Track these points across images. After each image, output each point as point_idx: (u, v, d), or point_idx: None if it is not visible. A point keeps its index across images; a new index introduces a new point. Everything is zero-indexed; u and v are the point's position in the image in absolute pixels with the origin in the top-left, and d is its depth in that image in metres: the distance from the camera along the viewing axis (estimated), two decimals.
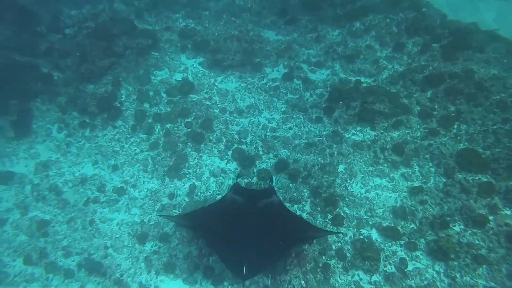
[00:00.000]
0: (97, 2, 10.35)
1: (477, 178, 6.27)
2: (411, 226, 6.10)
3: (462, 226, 5.90)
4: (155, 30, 9.31)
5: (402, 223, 6.12)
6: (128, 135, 7.80)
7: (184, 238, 6.25)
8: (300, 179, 6.74)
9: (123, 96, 8.35)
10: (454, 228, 5.89)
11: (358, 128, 7.36)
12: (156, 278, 5.93)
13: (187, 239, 6.21)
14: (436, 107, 7.30)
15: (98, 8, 10.02)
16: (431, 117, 7.18)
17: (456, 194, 6.18)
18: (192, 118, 7.75)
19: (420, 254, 5.78)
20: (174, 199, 6.80)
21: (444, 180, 6.42)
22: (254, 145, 7.40)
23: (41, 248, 6.46)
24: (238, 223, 5.28)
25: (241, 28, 9.16)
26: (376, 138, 7.13)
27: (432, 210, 6.16)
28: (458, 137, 6.81)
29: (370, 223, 6.18)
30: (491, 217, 5.86)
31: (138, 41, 8.71)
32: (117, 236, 6.51)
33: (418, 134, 7.06)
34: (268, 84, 8.36)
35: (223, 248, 5.02)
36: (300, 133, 7.46)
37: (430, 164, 6.69)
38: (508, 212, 5.93)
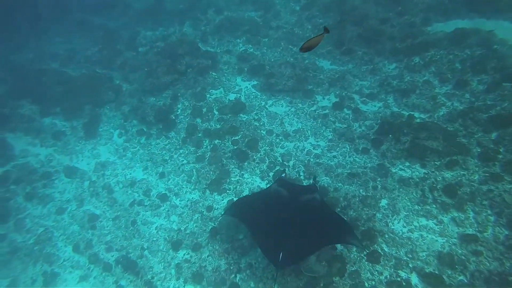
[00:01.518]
0: (169, 26, 11.55)
1: None
2: (460, 277, 5.47)
3: None
4: (216, 52, 10.00)
5: (449, 272, 5.53)
6: (178, 146, 8.32)
7: (215, 251, 6.33)
8: (339, 209, 6.51)
9: (179, 110, 9.00)
10: None
11: (407, 164, 6.98)
12: (184, 286, 6.05)
13: (218, 252, 6.28)
14: (501, 150, 6.65)
15: (169, 31, 11.16)
16: (494, 160, 6.54)
17: None
18: (239, 137, 8.03)
19: None
20: (212, 212, 6.98)
21: (507, 233, 5.71)
22: (296, 169, 7.38)
23: (88, 239, 7.03)
24: (279, 214, 5.45)
25: (297, 55, 9.45)
26: (426, 176, 6.68)
27: (488, 265, 5.48)
28: None
29: (411, 265, 5.69)
30: None
31: (199, 61, 9.44)
32: (154, 239, 6.83)
33: (476, 177, 6.46)
34: (318, 111, 8.39)
35: (262, 235, 5.19)
36: (344, 163, 7.28)
37: (489, 211, 6.03)
38: None
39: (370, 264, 5.78)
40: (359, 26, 9.57)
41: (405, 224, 6.22)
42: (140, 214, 7.28)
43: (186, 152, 8.18)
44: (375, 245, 5.96)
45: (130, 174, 8.09)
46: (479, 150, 6.76)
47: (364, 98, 8.45)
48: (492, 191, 6.17)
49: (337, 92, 8.67)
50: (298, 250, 4.99)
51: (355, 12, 9.98)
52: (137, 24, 12.47)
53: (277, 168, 7.43)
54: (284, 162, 7.50)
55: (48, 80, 9.98)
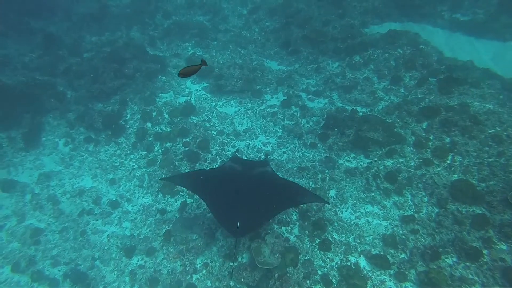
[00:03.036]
0: (116, 30, 11.23)
1: (471, 209, 6.12)
2: (402, 255, 5.91)
3: (455, 259, 5.68)
4: (165, 56, 9.92)
5: (392, 252, 5.95)
6: (128, 152, 8.11)
7: (170, 253, 6.25)
8: None
9: (128, 115, 8.78)
10: (446, 260, 5.68)
11: (352, 155, 7.42)
12: None
13: (173, 255, 6.20)
14: (431, 138, 7.32)
15: (116, 35, 10.86)
16: (425, 147, 7.18)
17: (448, 225, 6.02)
18: (190, 138, 8.02)
19: (410, 286, 5.55)
20: (165, 214, 6.89)
21: (437, 210, 6.30)
22: None
23: (30, 256, 6.56)
24: (234, 187, 5.72)
25: (246, 57, 9.66)
26: (369, 165, 7.15)
27: (423, 240, 5.99)
28: (453, 168, 6.75)
29: (359, 250, 6.04)
30: (485, 251, 5.64)
31: (147, 65, 9.30)
32: (106, 248, 6.57)
33: (412, 164, 7.04)
34: (267, 110, 8.63)
35: (219, 208, 5.44)
36: (293, 158, 7.56)
37: (423, 193, 6.60)
38: (504, 247, 5.68)
39: (322, 252, 6.04)
40: (303, 28, 10.05)
41: (352, 212, 6.59)
42: (90, 224, 6.97)
43: (137, 156, 7.99)
44: (326, 234, 6.24)
45: (78, 183, 7.72)
46: (413, 139, 7.38)
47: (311, 96, 8.87)
48: (425, 174, 6.77)
49: (284, 91, 9.00)
50: (254, 218, 5.33)
51: (299, 15, 10.47)
52: (81, 29, 11.98)
53: None
54: None
55: None
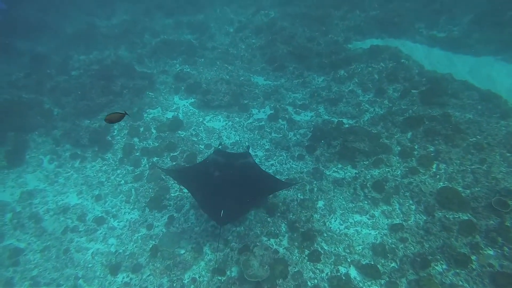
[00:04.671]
0: (104, 49, 11.34)
1: (457, 216, 6.17)
2: (392, 264, 5.87)
3: (444, 266, 5.67)
4: (153, 73, 10.01)
5: (383, 261, 5.91)
6: (115, 167, 8.00)
7: (157, 269, 6.07)
8: (278, 214, 6.69)
9: (115, 131, 8.73)
10: (436, 267, 5.66)
11: (339, 166, 7.48)
12: None
13: (160, 270, 6.03)
14: (416, 147, 7.46)
15: (104, 54, 10.95)
16: (411, 156, 7.31)
17: (436, 232, 6.04)
18: (177, 153, 7.98)
19: None
20: (152, 229, 6.74)
21: (425, 218, 6.33)
22: None
23: (7, 278, 6.27)
24: (218, 178, 6.01)
25: (233, 73, 9.82)
26: (357, 175, 7.20)
27: (413, 248, 5.98)
28: (438, 176, 6.85)
29: (349, 260, 5.97)
30: (473, 257, 5.65)
31: (135, 82, 9.35)
32: (90, 266, 6.35)
33: (398, 173, 7.13)
34: (254, 123, 8.70)
35: (204, 198, 5.71)
36: (281, 170, 7.57)
37: (411, 201, 6.65)
38: (491, 252, 5.72)
39: (312, 263, 5.96)
40: (288, 44, 10.33)
41: (341, 222, 6.56)
42: (74, 241, 6.75)
43: (124, 172, 7.89)
44: (315, 245, 6.18)
45: (63, 200, 7.54)
46: (399, 149, 7.51)
47: (297, 109, 8.99)
48: (411, 183, 6.84)
49: (271, 105, 9.12)
50: (237, 207, 5.59)
51: (284, 32, 10.80)
52: (69, 48, 12.06)
53: None
54: None
55: None
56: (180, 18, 13.07)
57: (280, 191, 7.06)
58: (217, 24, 12.46)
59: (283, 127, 8.57)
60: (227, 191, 5.75)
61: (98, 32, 12.43)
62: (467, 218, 6.11)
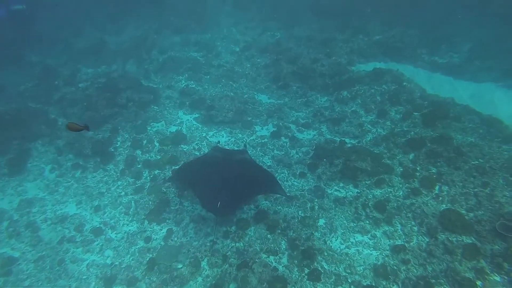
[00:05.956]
0: (112, 63, 11.59)
1: (460, 239, 6.07)
2: (394, 287, 5.72)
3: None
4: (158, 87, 10.17)
5: (384, 283, 5.76)
6: (116, 178, 7.98)
7: (153, 283, 5.93)
8: (279, 231, 6.59)
9: (118, 143, 8.77)
10: None
11: (341, 185, 7.44)
12: None
13: (156, 284, 5.89)
14: (418, 168, 7.44)
15: (112, 68, 11.18)
16: (413, 177, 7.27)
17: (439, 254, 5.93)
18: (179, 166, 7.96)
19: None
20: (150, 242, 6.63)
21: (427, 240, 6.22)
22: None
23: None
24: (215, 172, 6.39)
25: (237, 90, 9.97)
26: (358, 195, 7.15)
27: (415, 271, 5.84)
28: (440, 198, 6.79)
29: (349, 280, 5.83)
30: (478, 282, 5.51)
31: (141, 96, 9.48)
32: (84, 277, 6.21)
33: (401, 193, 7.07)
34: (257, 140, 8.74)
35: (202, 190, 6.05)
36: (283, 187, 7.51)
37: (413, 222, 6.56)
38: (497, 278, 5.58)
39: (311, 282, 5.82)
40: (293, 64, 10.54)
41: (342, 241, 6.46)
42: (69, 252, 6.64)
43: (125, 183, 7.85)
44: (315, 263, 6.06)
45: (61, 209, 7.47)
46: (401, 169, 7.49)
47: (300, 127, 9.06)
48: (414, 204, 6.78)
49: (274, 123, 9.20)
50: (233, 200, 5.95)
51: (289, 53, 11.05)
52: (78, 61, 12.31)
53: None
54: None
55: None
56: (188, 36, 13.43)
57: (281, 207, 7.01)
58: (224, 43, 12.79)
59: (285, 144, 8.60)
60: (225, 185, 6.04)
61: (107, 47, 12.75)
62: (471, 241, 6.00)
